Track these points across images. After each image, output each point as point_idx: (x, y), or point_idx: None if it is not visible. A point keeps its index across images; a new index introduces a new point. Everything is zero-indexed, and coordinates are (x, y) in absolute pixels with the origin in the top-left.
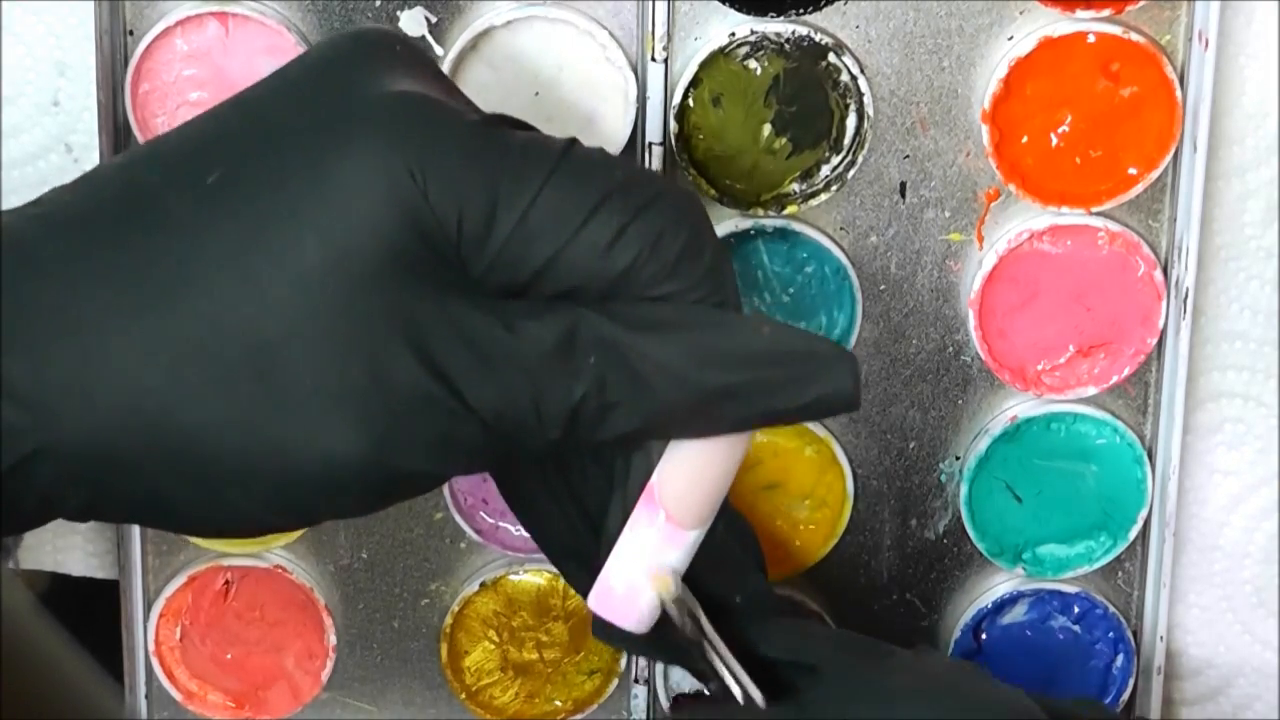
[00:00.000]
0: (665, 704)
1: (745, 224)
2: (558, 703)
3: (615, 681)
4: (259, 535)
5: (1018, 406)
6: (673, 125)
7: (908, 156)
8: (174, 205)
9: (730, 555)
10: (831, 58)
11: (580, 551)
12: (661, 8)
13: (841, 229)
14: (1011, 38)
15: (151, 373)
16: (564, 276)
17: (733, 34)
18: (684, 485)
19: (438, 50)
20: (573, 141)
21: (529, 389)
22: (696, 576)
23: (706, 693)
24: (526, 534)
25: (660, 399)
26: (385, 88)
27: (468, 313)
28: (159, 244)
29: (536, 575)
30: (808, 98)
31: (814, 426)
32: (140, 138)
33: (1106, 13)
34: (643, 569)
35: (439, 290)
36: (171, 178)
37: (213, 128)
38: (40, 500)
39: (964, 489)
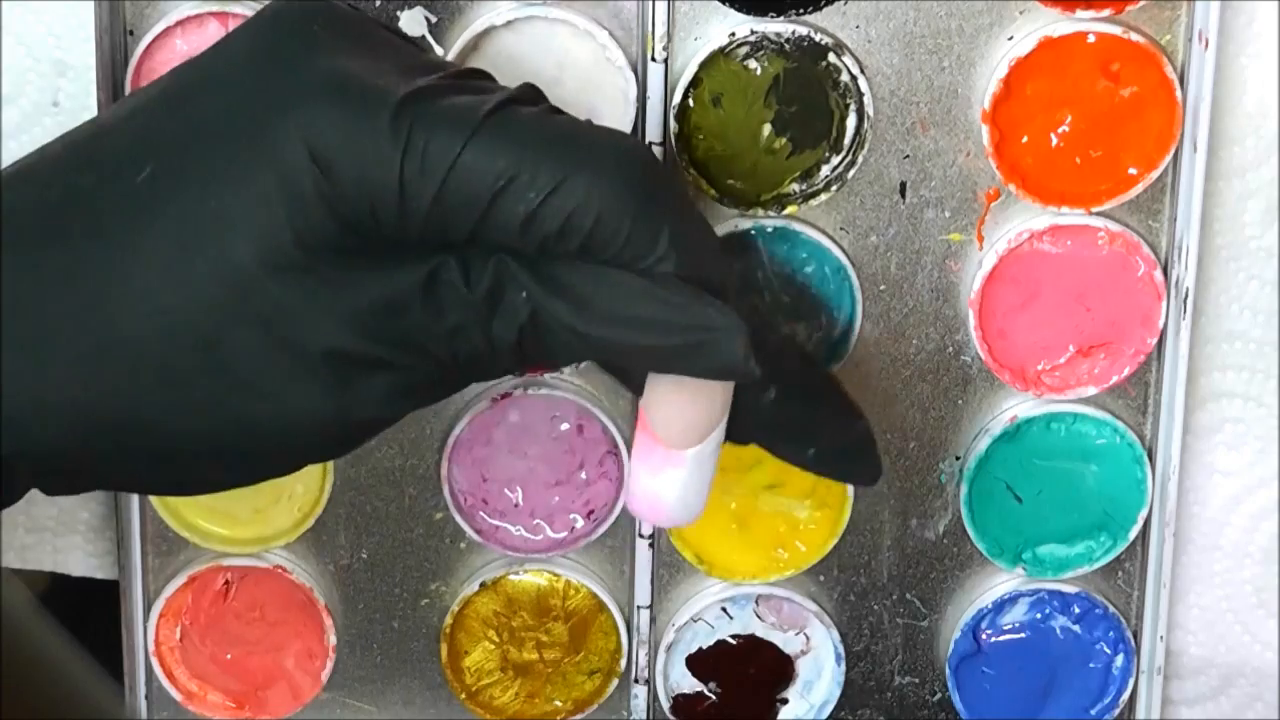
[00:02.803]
0: (665, 704)
1: (745, 224)
2: (558, 703)
3: (615, 681)
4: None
5: (1018, 406)
6: (673, 125)
7: (908, 156)
8: (106, 209)
9: (790, 421)
10: (831, 58)
11: None
12: (661, 8)
13: (841, 229)
14: (1011, 38)
15: (106, 379)
16: (492, 243)
17: (733, 34)
18: (664, 414)
19: (438, 51)
20: (500, 104)
21: (477, 328)
22: (761, 443)
23: (706, 693)
24: (526, 533)
25: (570, 352)
26: (300, 74)
27: (407, 274)
28: (97, 251)
29: (536, 575)
30: (808, 98)
31: None
32: None
33: (1106, 13)
34: (653, 483)
35: (374, 260)
36: (103, 179)
37: (141, 122)
38: (19, 489)
39: (964, 489)
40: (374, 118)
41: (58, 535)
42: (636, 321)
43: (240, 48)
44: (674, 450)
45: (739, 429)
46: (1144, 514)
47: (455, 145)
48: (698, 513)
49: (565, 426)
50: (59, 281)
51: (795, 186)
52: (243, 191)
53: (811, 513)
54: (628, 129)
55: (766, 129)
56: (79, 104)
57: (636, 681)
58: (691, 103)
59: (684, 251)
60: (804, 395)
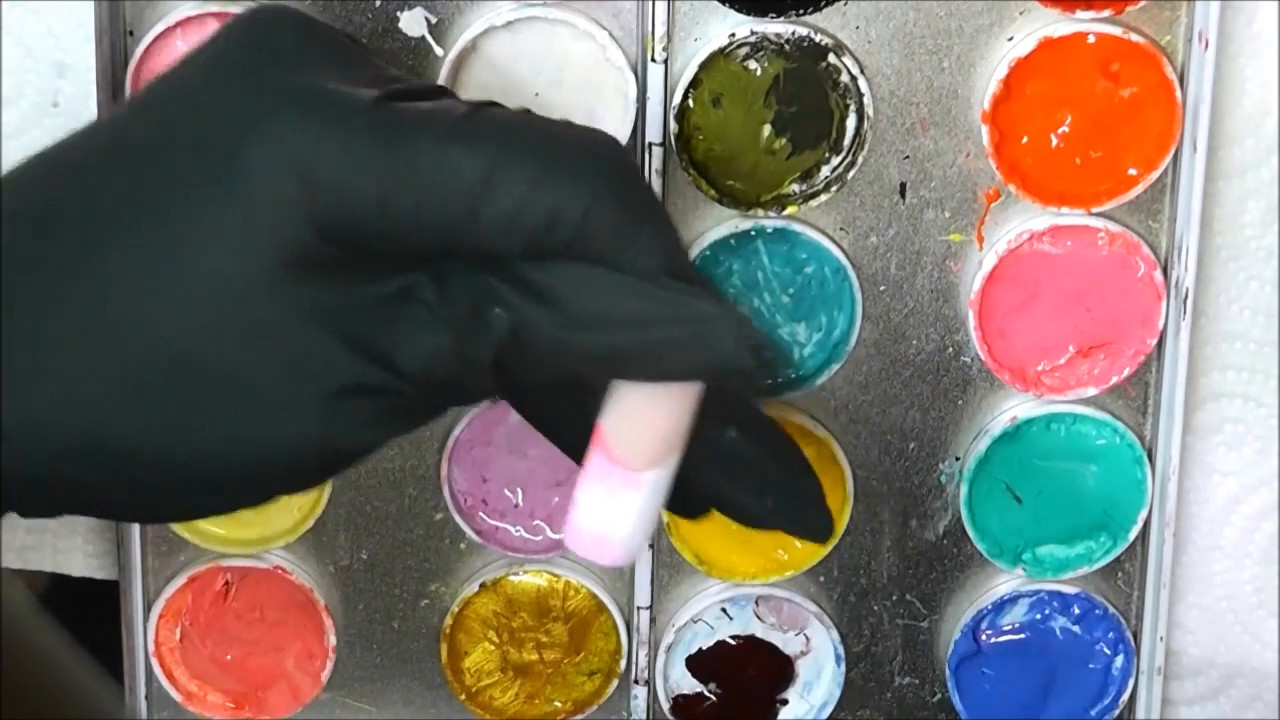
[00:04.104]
0: (665, 704)
1: (745, 224)
2: (558, 703)
3: (615, 682)
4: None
5: (1018, 407)
6: (673, 126)
7: (908, 157)
8: (82, 221)
9: (750, 466)
10: (831, 58)
11: None
12: (661, 8)
13: (841, 229)
14: (1011, 38)
15: (89, 398)
16: (473, 251)
17: (733, 34)
18: (628, 429)
19: (438, 51)
20: (478, 106)
21: (453, 349)
22: (713, 488)
23: (707, 694)
24: (526, 534)
25: (551, 361)
26: (273, 83)
27: (381, 290)
28: (72, 264)
29: (536, 576)
30: (808, 98)
31: (814, 427)
32: None
33: (1106, 13)
34: (605, 511)
35: (350, 276)
36: (79, 190)
37: (116, 132)
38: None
39: (964, 489)
40: (350, 123)
41: (58, 536)
42: (624, 320)
43: (212, 56)
44: (634, 472)
45: (698, 478)
46: (1144, 514)
47: (437, 145)
48: (639, 551)
49: None
50: (32, 296)
51: (795, 187)
52: (218, 204)
53: None
54: (628, 129)
55: (766, 129)
56: (79, 104)
57: (636, 682)
58: (691, 103)
59: (666, 247)
60: (761, 440)
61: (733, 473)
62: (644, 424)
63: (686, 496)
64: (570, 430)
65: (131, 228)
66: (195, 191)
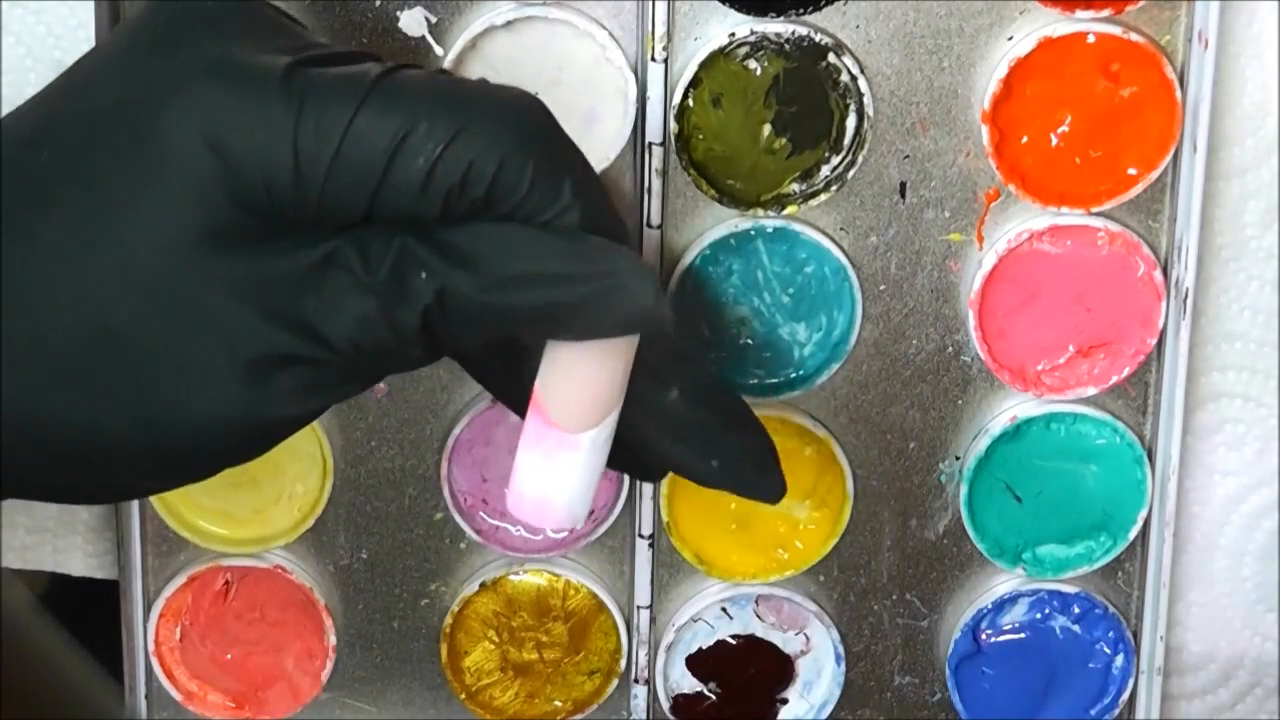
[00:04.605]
0: (665, 704)
1: (745, 224)
2: (558, 703)
3: (615, 682)
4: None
5: (1018, 407)
6: (673, 125)
7: (908, 156)
8: (13, 203)
9: (693, 426)
10: (831, 58)
11: None
12: (661, 8)
13: (841, 229)
14: (1011, 38)
15: (15, 374)
16: (392, 214)
17: (733, 34)
18: (561, 391)
19: (438, 51)
20: (390, 69)
21: (380, 315)
22: (664, 453)
23: (707, 693)
24: (526, 533)
25: (478, 322)
26: (186, 57)
27: (303, 258)
28: (5, 243)
29: (536, 576)
30: (808, 98)
31: (814, 427)
32: None
33: (1106, 13)
34: (544, 474)
35: (270, 246)
36: (10, 171)
37: (42, 111)
38: None
39: (964, 489)
40: (262, 91)
41: (58, 535)
42: (542, 279)
43: (132, 30)
44: (570, 434)
45: (643, 437)
46: (1144, 514)
47: (348, 109)
48: (583, 514)
49: None
50: None
51: (795, 186)
52: (135, 177)
53: (811, 513)
54: (628, 129)
55: (766, 129)
56: None
57: (636, 681)
58: (691, 103)
59: (586, 203)
60: (707, 401)
61: (678, 434)
62: (576, 385)
63: (639, 460)
64: (518, 391)
65: (55, 203)
66: (113, 165)
